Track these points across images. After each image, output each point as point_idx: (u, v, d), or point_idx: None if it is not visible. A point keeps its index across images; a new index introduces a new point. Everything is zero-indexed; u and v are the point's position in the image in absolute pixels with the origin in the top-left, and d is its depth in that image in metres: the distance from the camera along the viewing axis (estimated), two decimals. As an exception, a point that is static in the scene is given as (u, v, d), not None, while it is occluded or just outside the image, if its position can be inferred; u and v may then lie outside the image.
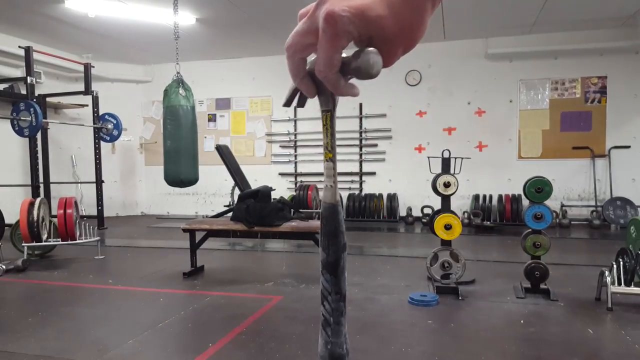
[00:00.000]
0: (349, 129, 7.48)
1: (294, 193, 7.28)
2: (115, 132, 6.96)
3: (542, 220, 3.08)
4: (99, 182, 6.93)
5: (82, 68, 6.82)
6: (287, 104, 0.56)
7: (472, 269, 3.70)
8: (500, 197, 6.71)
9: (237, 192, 4.47)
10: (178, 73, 4.32)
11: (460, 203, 6.91)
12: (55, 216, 4.49)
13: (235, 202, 3.92)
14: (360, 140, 7.51)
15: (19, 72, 6.49)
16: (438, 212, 3.37)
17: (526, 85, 6.93)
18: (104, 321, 2.80)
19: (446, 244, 3.25)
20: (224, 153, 4.43)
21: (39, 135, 6.24)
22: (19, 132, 5.62)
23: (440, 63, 7.19)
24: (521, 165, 6.91)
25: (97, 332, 2.60)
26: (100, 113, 6.88)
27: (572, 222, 6.56)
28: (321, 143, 0.54)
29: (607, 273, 2.92)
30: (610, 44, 6.48)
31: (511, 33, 6.72)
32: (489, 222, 6.46)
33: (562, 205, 6.61)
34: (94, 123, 6.83)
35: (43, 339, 2.51)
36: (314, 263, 4.11)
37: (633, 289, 2.90)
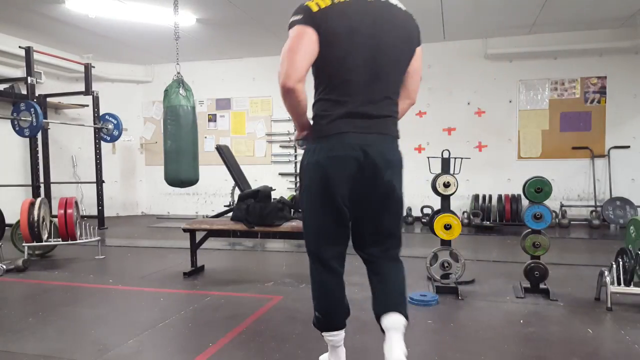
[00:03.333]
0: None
1: (294, 193, 7.29)
2: (115, 132, 6.96)
3: (542, 220, 3.09)
4: (99, 182, 6.93)
5: (82, 68, 6.83)
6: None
7: (471, 269, 3.71)
8: (499, 197, 6.71)
9: (237, 192, 4.47)
10: (178, 73, 4.33)
11: (460, 203, 6.92)
12: (55, 216, 4.49)
13: (235, 202, 3.93)
14: (360, 141, 7.51)
15: (20, 72, 6.49)
16: (438, 212, 3.37)
17: (526, 85, 6.93)
18: (104, 321, 2.80)
19: (446, 243, 3.25)
20: (224, 153, 4.43)
21: (39, 136, 6.25)
22: (20, 132, 5.62)
23: (440, 63, 7.19)
24: (521, 165, 6.92)
25: (97, 332, 2.61)
26: (101, 113, 6.89)
27: (572, 222, 6.57)
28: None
29: (606, 273, 2.92)
30: (610, 44, 6.48)
31: (511, 33, 6.73)
32: (488, 222, 6.47)
33: (562, 205, 6.62)
34: (95, 123, 6.83)
35: (43, 338, 2.52)
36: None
37: (632, 289, 2.90)
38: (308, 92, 1.76)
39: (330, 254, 1.87)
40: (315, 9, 1.69)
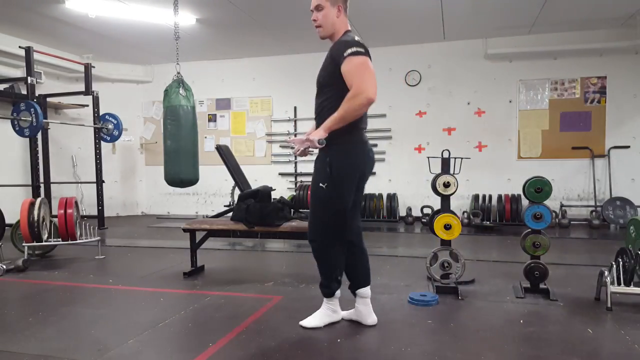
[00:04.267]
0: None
1: (294, 193, 7.29)
2: (115, 132, 6.96)
3: (542, 220, 3.09)
4: (99, 182, 6.93)
5: (82, 68, 6.83)
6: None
7: (471, 269, 3.71)
8: (499, 197, 6.71)
9: (237, 192, 4.47)
10: (178, 73, 4.32)
11: (460, 203, 6.92)
12: (55, 216, 4.49)
13: (235, 202, 3.93)
14: (360, 141, 7.51)
15: (20, 72, 6.49)
16: (438, 212, 3.37)
17: (526, 85, 6.93)
18: (104, 321, 2.80)
19: (446, 243, 3.26)
20: (224, 153, 4.43)
21: (39, 136, 6.24)
22: (20, 132, 5.62)
23: (440, 63, 7.20)
24: (521, 165, 6.92)
25: (97, 332, 2.61)
26: (101, 113, 6.89)
27: (572, 222, 6.57)
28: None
29: (606, 273, 2.92)
30: (610, 44, 6.48)
31: (511, 33, 6.73)
32: (488, 222, 6.47)
33: (562, 205, 6.62)
34: (95, 123, 6.83)
35: (43, 338, 2.52)
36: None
37: (632, 289, 2.90)
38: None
39: (346, 228, 2.57)
40: (366, 47, 2.39)
